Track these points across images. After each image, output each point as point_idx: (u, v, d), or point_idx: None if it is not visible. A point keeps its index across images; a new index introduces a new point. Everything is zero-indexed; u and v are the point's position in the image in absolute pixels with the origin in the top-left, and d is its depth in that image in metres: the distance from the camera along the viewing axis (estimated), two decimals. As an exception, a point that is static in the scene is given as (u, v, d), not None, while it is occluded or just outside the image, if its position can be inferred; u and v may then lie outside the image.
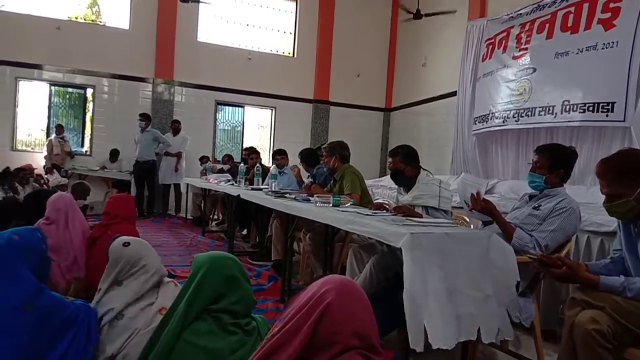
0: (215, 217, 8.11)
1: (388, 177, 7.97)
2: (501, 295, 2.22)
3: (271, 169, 4.98)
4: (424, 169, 3.24)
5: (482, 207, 2.72)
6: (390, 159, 3.26)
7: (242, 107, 10.30)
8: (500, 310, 2.21)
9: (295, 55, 10.47)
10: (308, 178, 5.02)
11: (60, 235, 2.97)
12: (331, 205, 3.11)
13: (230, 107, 10.29)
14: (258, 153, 6.84)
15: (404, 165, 3.19)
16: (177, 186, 8.79)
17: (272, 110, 10.41)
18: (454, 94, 7.97)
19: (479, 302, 2.14)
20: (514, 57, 6.26)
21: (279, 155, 5.68)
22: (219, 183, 5.93)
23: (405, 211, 2.84)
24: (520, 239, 2.57)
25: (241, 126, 10.45)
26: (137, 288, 1.96)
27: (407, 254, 2.02)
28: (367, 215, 2.66)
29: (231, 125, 10.43)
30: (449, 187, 3.11)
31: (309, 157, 5.18)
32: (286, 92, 10.24)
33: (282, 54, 10.48)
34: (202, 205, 7.47)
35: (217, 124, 10.12)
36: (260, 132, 10.70)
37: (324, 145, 4.33)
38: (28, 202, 4.56)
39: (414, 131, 9.73)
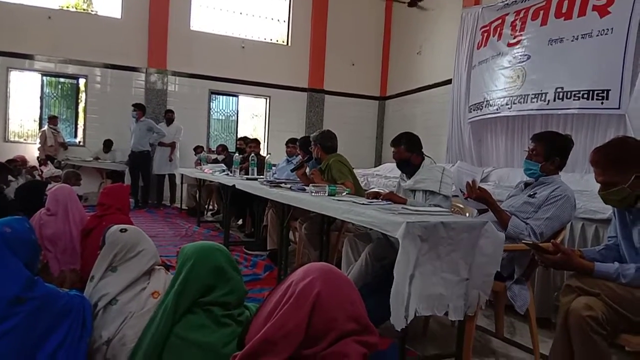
0: (211, 207, 8.10)
1: (384, 165, 7.99)
2: (477, 280, 2.26)
3: (266, 158, 4.95)
4: (427, 156, 3.25)
5: (478, 196, 2.72)
6: (394, 149, 3.24)
7: (236, 96, 10.24)
8: (472, 291, 2.25)
9: (289, 44, 10.41)
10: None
11: (59, 227, 2.97)
12: (327, 194, 3.10)
13: (224, 97, 10.23)
14: (258, 142, 6.75)
15: (409, 153, 3.19)
16: (171, 176, 8.74)
17: (266, 99, 10.36)
18: (449, 82, 7.95)
19: (451, 284, 2.18)
20: (509, 45, 6.25)
21: (291, 143, 5.73)
22: (213, 173, 5.91)
23: (387, 196, 2.96)
24: (515, 227, 2.58)
25: (235, 116, 10.39)
26: (132, 274, 1.96)
27: (404, 243, 2.02)
28: (363, 204, 2.65)
29: (225, 114, 10.38)
30: (451, 175, 3.11)
31: (306, 144, 5.12)
32: (280, 81, 10.19)
33: (276, 42, 10.41)
34: (197, 195, 7.45)
35: (211, 113, 10.07)
36: (254, 121, 10.65)
37: (312, 134, 4.32)
38: (20, 194, 4.54)
39: (409, 119, 9.73)
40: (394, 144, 3.27)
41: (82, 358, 1.73)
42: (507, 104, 6.08)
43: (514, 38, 6.17)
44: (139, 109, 8.15)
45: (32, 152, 8.43)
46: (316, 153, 4.11)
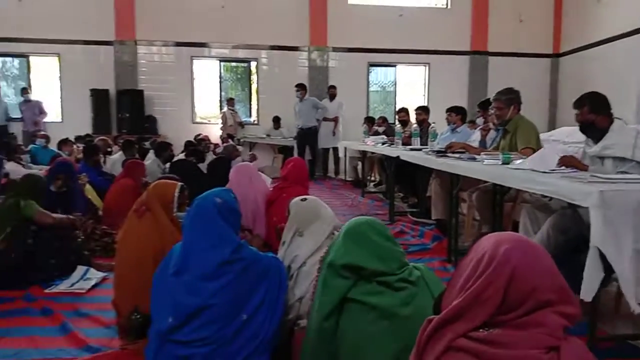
0: (373, 178, 8.28)
1: (560, 129, 7.31)
2: None
3: (430, 127, 4.86)
4: (617, 118, 2.90)
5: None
6: (577, 111, 2.96)
7: (394, 66, 10.19)
8: None
9: (449, 6, 9.99)
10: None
11: (243, 192, 3.32)
12: (501, 163, 2.97)
13: (382, 68, 10.25)
14: (428, 110, 6.46)
15: (595, 115, 2.87)
16: (335, 149, 9.13)
17: (425, 66, 10.13)
18: (637, 32, 6.91)
19: None
20: None
21: (452, 112, 5.51)
22: (376, 145, 6.02)
23: (568, 161, 2.66)
24: None
25: (393, 86, 10.37)
26: (316, 238, 2.15)
27: (597, 213, 1.86)
28: (544, 172, 2.48)
29: (382, 85, 10.42)
30: None
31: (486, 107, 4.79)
32: (440, 47, 9.88)
33: (434, 6, 10.07)
34: (361, 167, 7.66)
35: (370, 85, 10.18)
36: (412, 90, 10.50)
37: (494, 97, 3.95)
38: (211, 168, 5.19)
39: (588, 78, 8.73)
40: (577, 106, 2.97)
41: (280, 314, 1.94)
42: None
43: None
44: (302, 88, 8.64)
45: (214, 131, 9.47)
46: (511, 114, 3.71)
